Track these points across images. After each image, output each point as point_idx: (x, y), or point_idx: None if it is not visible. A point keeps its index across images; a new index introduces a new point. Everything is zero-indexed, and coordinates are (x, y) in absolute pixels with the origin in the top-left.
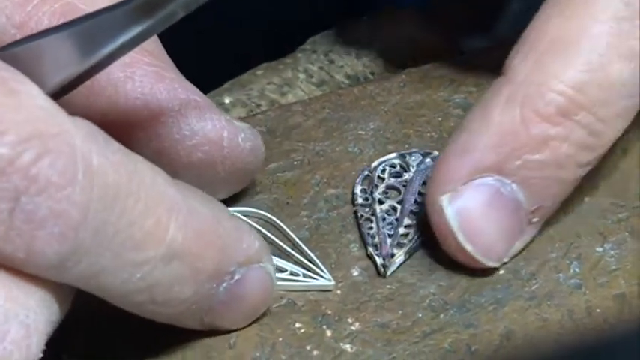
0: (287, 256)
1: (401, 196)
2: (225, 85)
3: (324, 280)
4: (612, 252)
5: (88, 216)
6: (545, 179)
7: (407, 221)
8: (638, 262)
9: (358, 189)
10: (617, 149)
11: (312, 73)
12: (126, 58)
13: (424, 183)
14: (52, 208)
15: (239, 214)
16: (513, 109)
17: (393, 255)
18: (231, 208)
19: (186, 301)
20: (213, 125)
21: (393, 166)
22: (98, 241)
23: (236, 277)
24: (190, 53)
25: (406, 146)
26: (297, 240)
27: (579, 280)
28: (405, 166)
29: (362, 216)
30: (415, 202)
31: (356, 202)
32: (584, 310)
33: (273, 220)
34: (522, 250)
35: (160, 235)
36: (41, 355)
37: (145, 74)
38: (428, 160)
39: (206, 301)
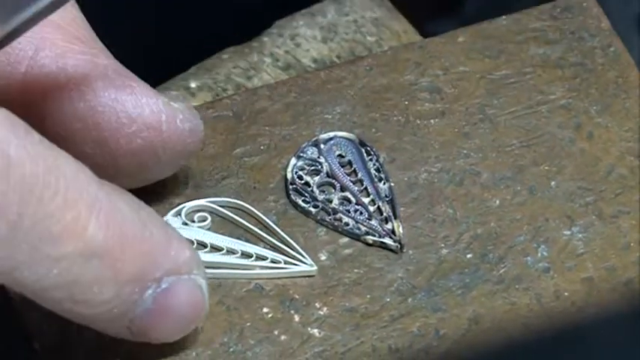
0: (264, 243)
1: (338, 185)
2: (191, 70)
3: (306, 265)
4: (580, 235)
5: (3, 206)
6: None
7: (365, 199)
8: (605, 245)
9: (299, 201)
10: (583, 133)
11: (279, 57)
12: (57, 50)
13: (342, 166)
14: None
15: (212, 204)
16: None
17: (393, 231)
18: (203, 200)
19: (107, 303)
20: (150, 110)
21: (302, 168)
22: (14, 232)
23: (163, 285)
24: (156, 37)
25: (373, 130)
26: (275, 227)
27: (547, 263)
28: (311, 162)
29: (329, 221)
30: (353, 182)
31: (311, 215)
32: (552, 293)
33: (246, 207)
34: (490, 234)
35: (79, 230)
36: None
37: (77, 64)
38: (322, 145)
39: (129, 306)
